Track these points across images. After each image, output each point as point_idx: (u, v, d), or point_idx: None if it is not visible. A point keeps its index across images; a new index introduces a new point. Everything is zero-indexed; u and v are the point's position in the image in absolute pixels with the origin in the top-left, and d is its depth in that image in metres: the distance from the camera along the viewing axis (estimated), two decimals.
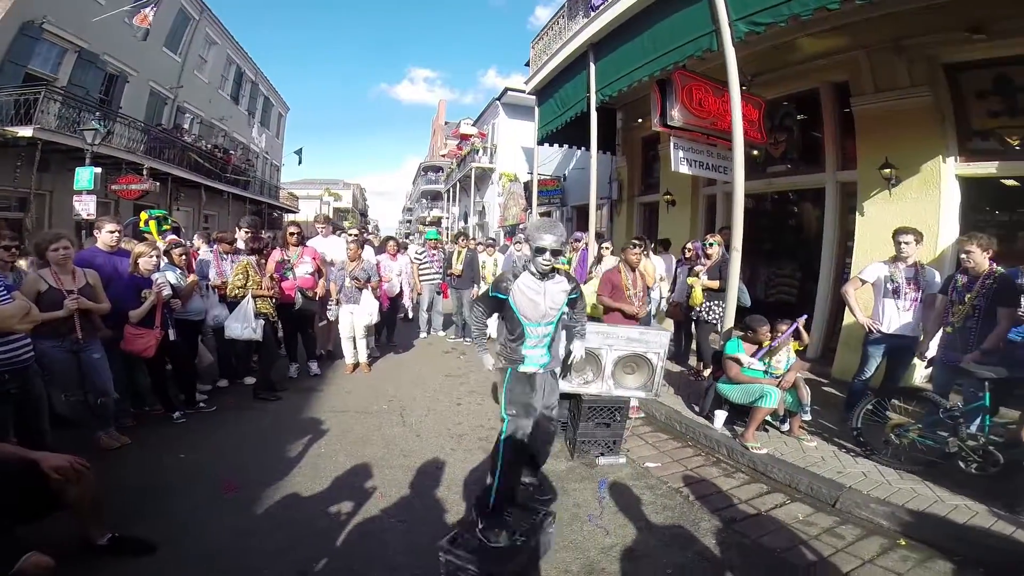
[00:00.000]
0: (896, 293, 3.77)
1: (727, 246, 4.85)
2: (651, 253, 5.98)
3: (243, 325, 4.09)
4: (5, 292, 2.66)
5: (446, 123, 33.32)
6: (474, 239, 9.98)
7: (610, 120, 9.04)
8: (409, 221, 45.11)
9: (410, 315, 8.19)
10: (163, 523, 2.56)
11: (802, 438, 3.72)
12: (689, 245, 5.60)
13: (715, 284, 4.93)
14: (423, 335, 7.50)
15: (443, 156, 29.38)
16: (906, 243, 3.74)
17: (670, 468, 3.48)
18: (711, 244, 5.18)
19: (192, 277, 4.14)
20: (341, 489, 3.01)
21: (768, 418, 3.81)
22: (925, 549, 2.53)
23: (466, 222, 22.68)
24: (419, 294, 7.35)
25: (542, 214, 13.65)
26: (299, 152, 22.47)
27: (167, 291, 3.61)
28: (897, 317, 3.76)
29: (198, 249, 5.53)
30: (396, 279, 6.55)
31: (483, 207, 21.22)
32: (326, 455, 3.49)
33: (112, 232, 3.83)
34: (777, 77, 6.20)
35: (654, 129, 5.74)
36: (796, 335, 3.78)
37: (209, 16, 16.97)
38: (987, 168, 4.66)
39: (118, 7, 11.65)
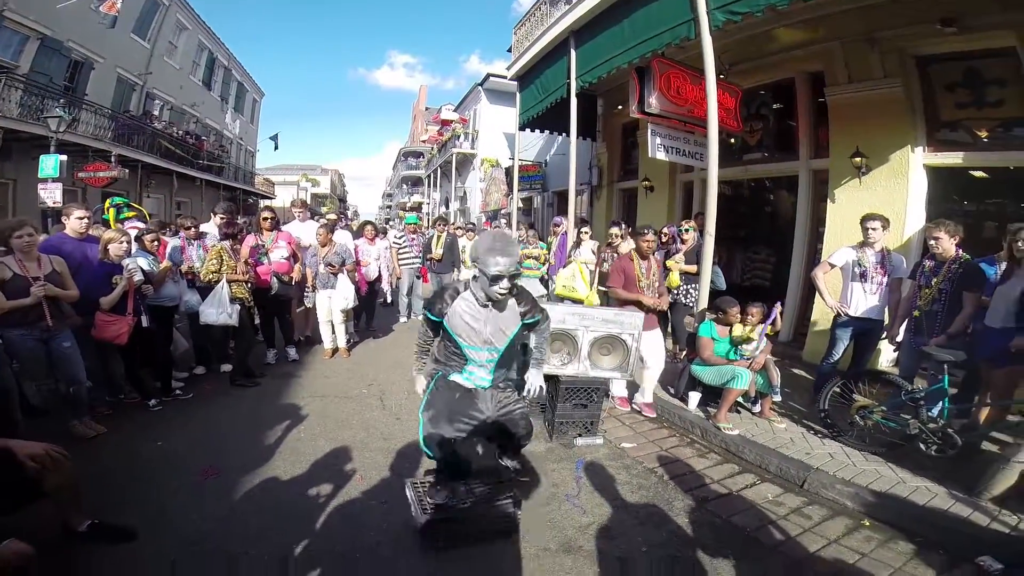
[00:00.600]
0: (863, 277, 3.89)
1: (702, 231, 4.94)
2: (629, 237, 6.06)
3: (218, 310, 4.03)
4: None
5: (427, 108, 32.90)
6: (454, 224, 9.96)
7: (591, 106, 9.07)
8: (389, 207, 44.55)
9: (389, 300, 8.15)
10: (143, 510, 2.55)
11: (772, 420, 3.84)
12: (665, 230, 5.68)
13: (692, 268, 5.02)
14: (403, 319, 7.48)
15: (424, 142, 29.05)
16: (873, 229, 3.86)
17: (646, 448, 3.57)
18: (687, 230, 5.28)
19: (165, 262, 4.06)
20: (321, 472, 3.02)
21: (740, 400, 3.93)
22: (888, 530, 2.62)
23: (447, 207, 22.55)
24: (399, 278, 7.33)
25: (524, 200, 13.65)
26: (275, 138, 22.05)
27: (138, 276, 3.53)
28: (864, 300, 3.89)
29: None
30: (375, 264, 6.51)
31: (464, 192, 21.12)
32: (306, 439, 3.49)
33: (81, 219, 3.73)
34: (754, 66, 6.27)
35: (632, 116, 5.76)
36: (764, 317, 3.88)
37: (179, 2, 16.54)
38: (954, 159, 4.82)
39: None
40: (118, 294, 3.43)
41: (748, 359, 3.76)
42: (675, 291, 5.20)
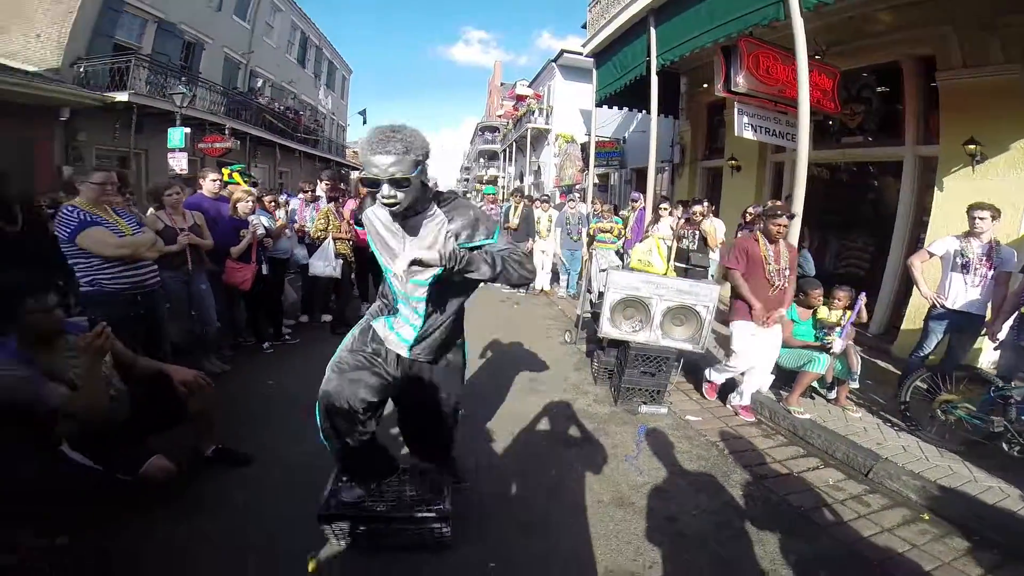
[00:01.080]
0: (966, 268, 3.64)
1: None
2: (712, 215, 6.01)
3: (324, 263, 4.62)
4: (138, 227, 3.16)
5: (502, 84, 32.97)
6: (530, 196, 10.22)
7: (673, 84, 8.81)
8: (467, 180, 45.47)
9: None
10: (257, 439, 2.92)
11: (847, 408, 3.75)
12: (750, 209, 5.55)
13: None
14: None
15: (499, 117, 29.27)
16: (981, 218, 3.58)
17: (710, 423, 3.64)
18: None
19: (280, 220, 4.64)
20: None
21: (816, 385, 3.88)
22: (946, 526, 2.55)
23: (521, 181, 22.75)
24: None
25: (600, 176, 13.54)
26: (363, 113, 23.17)
27: (261, 230, 4.09)
28: (964, 293, 3.65)
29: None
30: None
31: (538, 167, 21.18)
32: None
33: (214, 180, 4.32)
34: (855, 47, 5.86)
35: (718, 95, 5.61)
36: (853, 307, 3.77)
37: None
38: None
39: None
40: (245, 244, 4.00)
41: (829, 344, 3.68)
42: None
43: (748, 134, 5.64)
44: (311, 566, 1.99)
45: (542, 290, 7.92)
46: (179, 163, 9.46)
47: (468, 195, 23.01)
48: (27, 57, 9.85)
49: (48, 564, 1.86)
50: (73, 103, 9.42)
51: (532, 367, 4.52)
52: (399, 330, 2.00)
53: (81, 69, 10.26)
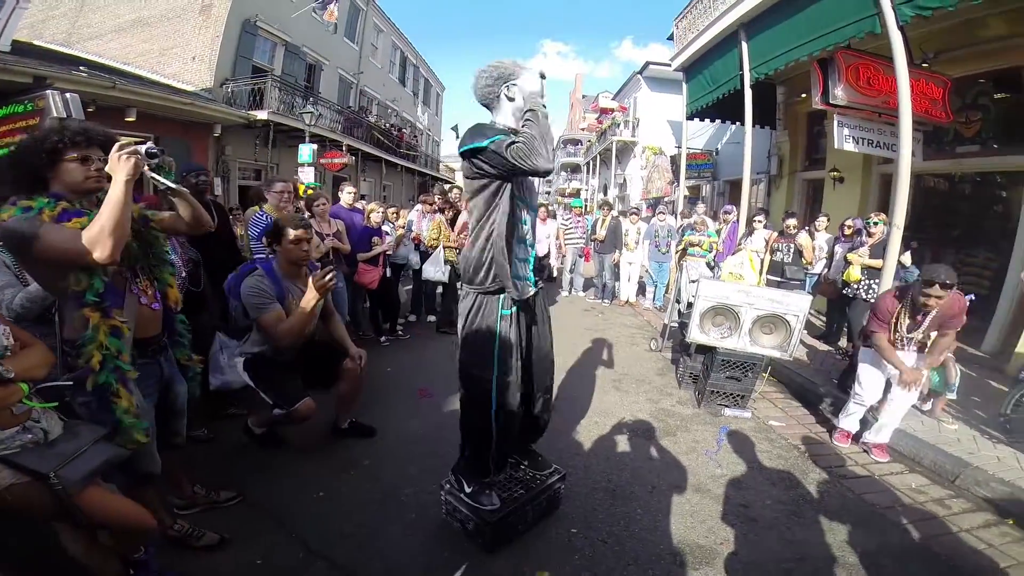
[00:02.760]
0: None
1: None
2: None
3: (435, 268, 5.32)
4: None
5: (584, 96, 33.18)
6: (622, 211, 10.49)
7: (769, 95, 8.66)
8: (548, 192, 46.13)
9: (554, 275, 9.06)
10: (380, 417, 3.45)
11: (943, 419, 3.70)
12: (849, 222, 5.48)
13: (877, 263, 4.80)
14: (564, 293, 8.38)
15: (582, 130, 29.50)
16: None
17: (793, 428, 3.74)
18: (876, 223, 5.02)
19: (400, 230, 5.40)
20: None
21: None
22: None
23: (605, 194, 22.85)
24: (564, 256, 8.16)
25: (691, 188, 13.41)
26: (455, 128, 24.24)
27: (390, 239, 4.85)
28: None
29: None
30: (544, 241, 7.40)
31: (624, 179, 21.15)
32: None
33: (350, 193, 5.14)
34: (968, 54, 5.63)
35: (816, 107, 5.61)
36: None
37: (375, 6, 18.78)
38: None
39: (308, 3, 13.68)
40: (378, 251, 4.75)
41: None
42: (856, 286, 5.05)
43: (849, 146, 5.59)
44: None
45: (627, 301, 8.08)
46: (307, 176, 10.80)
47: (549, 208, 23.40)
48: (184, 77, 11.43)
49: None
50: (224, 120, 10.85)
51: (617, 369, 4.84)
52: (528, 274, 2.13)
53: (229, 89, 11.52)
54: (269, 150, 12.40)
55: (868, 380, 3.37)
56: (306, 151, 10.93)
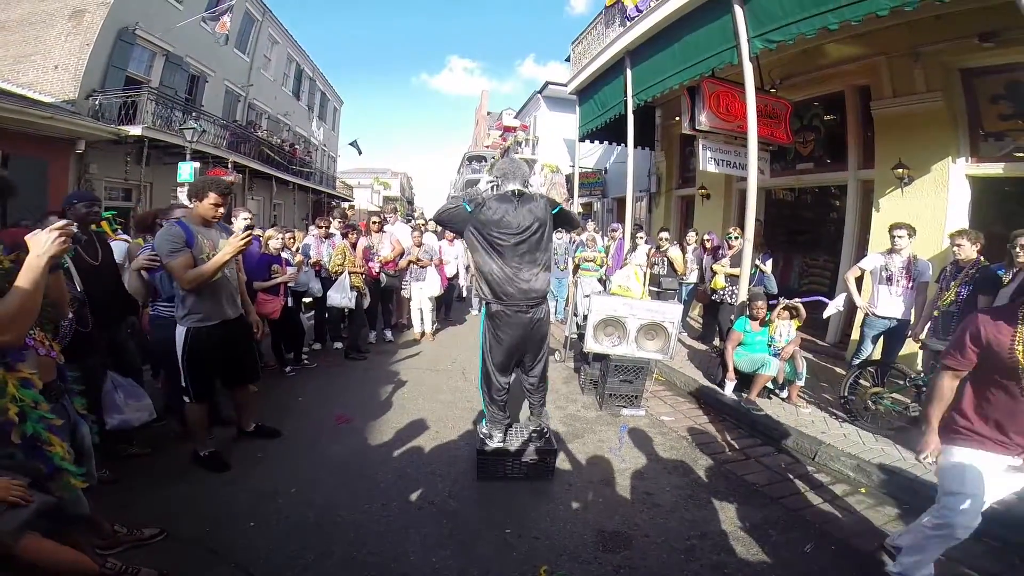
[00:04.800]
0: (889, 281, 4.33)
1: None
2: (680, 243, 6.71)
3: (341, 295, 5.20)
4: None
5: (488, 113, 34.02)
6: None
7: (649, 117, 9.60)
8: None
9: (464, 294, 9.17)
10: (296, 440, 3.54)
11: (799, 405, 4.36)
12: (707, 236, 6.27)
13: (737, 271, 5.56)
14: (474, 312, 8.49)
15: (487, 147, 30.17)
16: (899, 236, 4.29)
17: (681, 422, 4.23)
18: (735, 237, 5.82)
19: (299, 256, 5.20)
20: (424, 422, 3.95)
21: (770, 386, 4.50)
22: (881, 496, 3.10)
23: None
24: (473, 276, 8.30)
25: (584, 204, 14.27)
26: (355, 143, 23.72)
27: (292, 269, 4.67)
28: (889, 301, 4.33)
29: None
30: (454, 262, 7.50)
31: None
32: (409, 399, 4.46)
33: (245, 219, 4.87)
34: (806, 80, 6.67)
35: (685, 132, 6.34)
36: (794, 313, 4.41)
37: (271, 17, 18.10)
38: (996, 169, 5.03)
39: (195, 13, 12.88)
40: (278, 281, 4.55)
41: (779, 350, 4.32)
42: (721, 292, 5.79)
43: (711, 167, 6.37)
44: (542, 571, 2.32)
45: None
46: (187, 196, 9.93)
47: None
48: (42, 88, 10.18)
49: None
50: (89, 136, 9.75)
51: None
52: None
53: (96, 101, 10.57)
54: (142, 168, 11.26)
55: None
56: (187, 169, 10.09)
